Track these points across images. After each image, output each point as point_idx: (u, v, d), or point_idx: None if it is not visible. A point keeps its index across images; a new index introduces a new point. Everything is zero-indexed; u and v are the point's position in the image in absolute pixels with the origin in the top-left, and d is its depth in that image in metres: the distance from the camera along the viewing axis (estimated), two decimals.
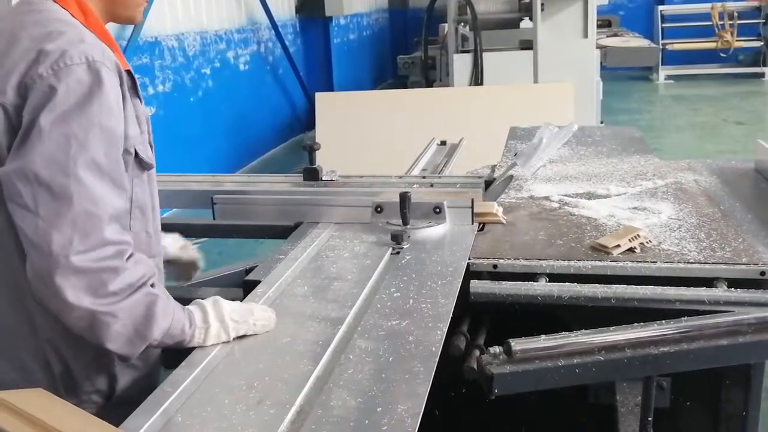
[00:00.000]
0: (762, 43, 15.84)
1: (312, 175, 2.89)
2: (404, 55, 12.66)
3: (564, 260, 2.23)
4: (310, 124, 9.77)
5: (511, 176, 2.92)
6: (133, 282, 1.65)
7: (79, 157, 1.63)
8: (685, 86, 15.12)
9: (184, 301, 1.81)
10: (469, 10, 8.80)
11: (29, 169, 1.61)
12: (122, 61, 1.85)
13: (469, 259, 2.26)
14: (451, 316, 1.86)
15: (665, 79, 15.90)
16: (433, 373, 1.59)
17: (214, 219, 2.76)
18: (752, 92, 14.15)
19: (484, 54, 8.65)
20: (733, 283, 2.10)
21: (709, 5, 15.74)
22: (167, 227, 2.27)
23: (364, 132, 7.11)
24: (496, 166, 3.29)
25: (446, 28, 9.62)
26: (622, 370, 1.89)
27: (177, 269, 2.45)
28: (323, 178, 2.89)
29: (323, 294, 2.00)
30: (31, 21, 1.77)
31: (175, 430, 1.46)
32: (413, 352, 1.67)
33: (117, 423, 1.45)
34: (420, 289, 2.01)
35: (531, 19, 8.58)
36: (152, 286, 1.70)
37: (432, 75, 10.60)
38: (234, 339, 1.75)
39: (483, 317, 2.23)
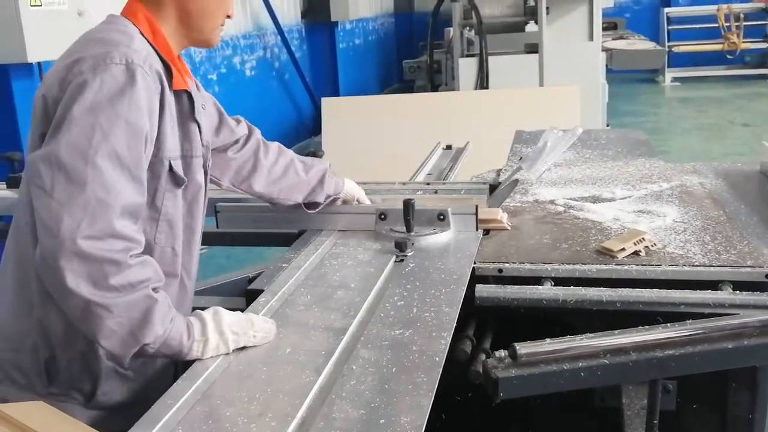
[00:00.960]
0: None
1: None
2: (410, 59, 12.69)
3: (569, 264, 2.23)
4: (316, 129, 9.79)
5: (517, 180, 2.91)
6: (135, 282, 1.65)
7: (101, 146, 1.68)
8: (692, 88, 15.10)
9: None
10: (474, 14, 8.79)
11: (53, 153, 1.67)
12: (184, 83, 1.95)
13: (475, 263, 2.26)
14: (455, 325, 1.86)
15: (671, 81, 15.89)
16: (437, 384, 1.58)
17: (217, 227, 2.76)
18: (759, 94, 14.12)
19: (490, 58, 8.64)
20: (739, 285, 2.10)
21: (715, 7, 15.71)
22: None
23: (370, 136, 7.10)
24: (501, 170, 3.29)
25: (451, 32, 9.61)
26: (628, 374, 1.89)
27: None
28: None
29: (326, 303, 1.99)
30: (99, 29, 1.90)
31: None
32: (417, 362, 1.67)
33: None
34: (424, 298, 2.01)
35: (536, 22, 8.58)
36: (155, 291, 1.71)
37: (438, 79, 10.59)
38: (234, 350, 1.75)
39: (489, 321, 2.22)
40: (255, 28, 9.78)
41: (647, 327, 1.88)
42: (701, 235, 2.38)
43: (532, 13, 8.73)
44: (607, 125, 8.68)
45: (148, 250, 1.85)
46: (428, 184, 3.14)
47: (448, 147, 3.97)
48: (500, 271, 2.24)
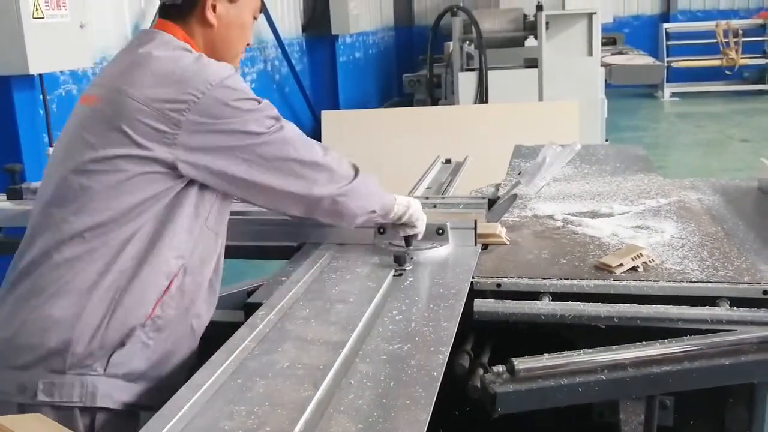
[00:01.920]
0: (767, 61, 15.85)
1: None
2: (410, 73, 12.70)
3: (567, 279, 2.23)
4: None
5: (515, 195, 2.92)
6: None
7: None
8: (691, 104, 15.15)
9: None
10: (474, 29, 8.83)
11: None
12: None
13: (473, 277, 2.26)
14: (453, 340, 1.86)
15: (670, 96, 15.94)
16: (435, 399, 1.58)
17: None
18: (757, 109, 14.16)
19: (489, 72, 8.68)
20: (736, 302, 2.10)
21: (713, 23, 15.80)
22: None
23: (370, 150, 7.12)
24: (500, 184, 3.29)
25: (451, 46, 9.65)
26: (625, 389, 1.89)
27: None
28: None
29: (325, 317, 1.99)
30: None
31: None
32: (415, 377, 1.66)
33: None
34: (422, 312, 2.01)
35: (536, 37, 8.63)
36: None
37: (437, 93, 10.61)
38: (234, 362, 1.75)
39: (487, 336, 2.23)
40: (256, 41, 9.80)
41: (645, 343, 1.89)
42: (699, 251, 2.39)
43: (532, 28, 8.78)
44: (606, 140, 8.70)
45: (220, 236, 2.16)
46: (427, 198, 3.14)
47: (448, 161, 3.97)
48: (499, 285, 2.25)
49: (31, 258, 2.00)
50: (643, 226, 2.67)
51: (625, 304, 2.09)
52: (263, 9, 2.34)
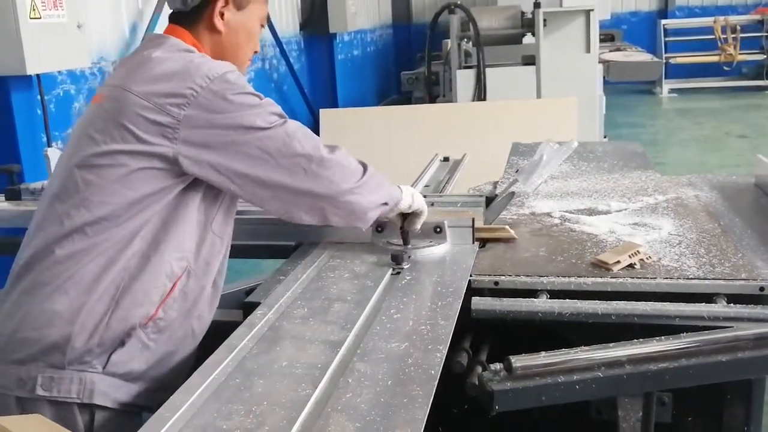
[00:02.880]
0: (765, 57, 15.85)
1: None
2: (408, 70, 12.70)
3: (564, 277, 2.23)
4: None
5: (513, 193, 2.92)
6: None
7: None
8: (689, 100, 15.14)
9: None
10: (471, 26, 8.83)
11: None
12: None
13: (471, 275, 2.27)
14: (450, 338, 1.86)
15: (669, 92, 15.93)
16: (432, 397, 1.58)
17: None
18: (755, 105, 14.16)
19: (487, 69, 8.69)
20: (733, 298, 2.10)
21: (711, 19, 15.79)
22: None
23: (368, 148, 7.09)
24: (498, 182, 3.30)
25: (449, 44, 9.65)
26: (623, 386, 1.89)
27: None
28: None
29: (323, 316, 2.00)
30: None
31: None
32: (412, 375, 1.67)
33: None
34: (420, 311, 2.01)
35: (533, 34, 8.62)
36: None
37: (435, 91, 10.62)
38: (232, 362, 1.76)
39: (485, 333, 2.23)
40: None
41: (642, 340, 1.89)
42: (696, 248, 2.39)
43: (530, 25, 8.78)
44: (605, 137, 8.70)
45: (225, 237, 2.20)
46: (425, 196, 3.14)
47: (446, 159, 3.98)
48: (496, 283, 2.25)
49: (34, 252, 2.02)
50: (640, 223, 2.68)
51: (623, 302, 2.09)
52: None
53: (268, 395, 1.61)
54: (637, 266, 2.26)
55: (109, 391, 1.97)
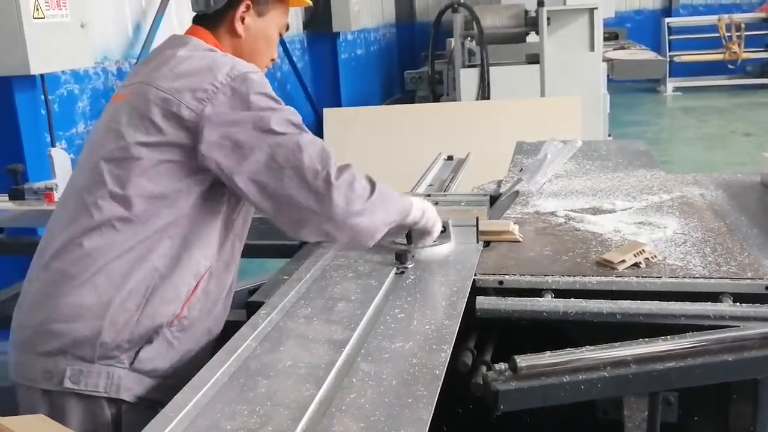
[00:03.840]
0: None
1: None
2: (411, 69, 12.69)
3: (569, 276, 2.22)
4: None
5: (517, 192, 2.92)
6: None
7: None
8: (693, 98, 15.12)
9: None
10: (475, 25, 8.82)
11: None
12: None
13: (475, 275, 2.26)
14: (455, 337, 1.86)
15: (673, 91, 15.92)
16: (437, 397, 1.58)
17: None
18: (760, 103, 14.13)
19: (491, 68, 8.68)
20: (739, 297, 2.09)
21: (715, 17, 15.75)
22: None
23: (372, 147, 7.11)
24: (502, 181, 3.29)
25: (453, 42, 9.63)
26: (628, 386, 1.88)
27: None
28: None
29: (327, 315, 2.00)
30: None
31: None
32: (417, 375, 1.66)
33: None
34: (424, 310, 2.01)
35: (537, 33, 8.61)
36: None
37: (439, 89, 10.60)
38: (236, 362, 1.75)
39: (490, 333, 2.22)
40: None
41: (648, 339, 1.88)
42: (701, 247, 2.38)
43: (533, 24, 8.76)
44: (609, 135, 8.70)
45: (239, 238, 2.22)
46: (429, 195, 3.14)
47: (450, 158, 3.98)
48: (501, 283, 2.25)
49: (62, 244, 2.02)
50: (645, 222, 2.66)
51: (628, 301, 2.08)
52: None
53: (272, 395, 1.60)
54: (643, 265, 2.25)
55: (134, 387, 2.00)
